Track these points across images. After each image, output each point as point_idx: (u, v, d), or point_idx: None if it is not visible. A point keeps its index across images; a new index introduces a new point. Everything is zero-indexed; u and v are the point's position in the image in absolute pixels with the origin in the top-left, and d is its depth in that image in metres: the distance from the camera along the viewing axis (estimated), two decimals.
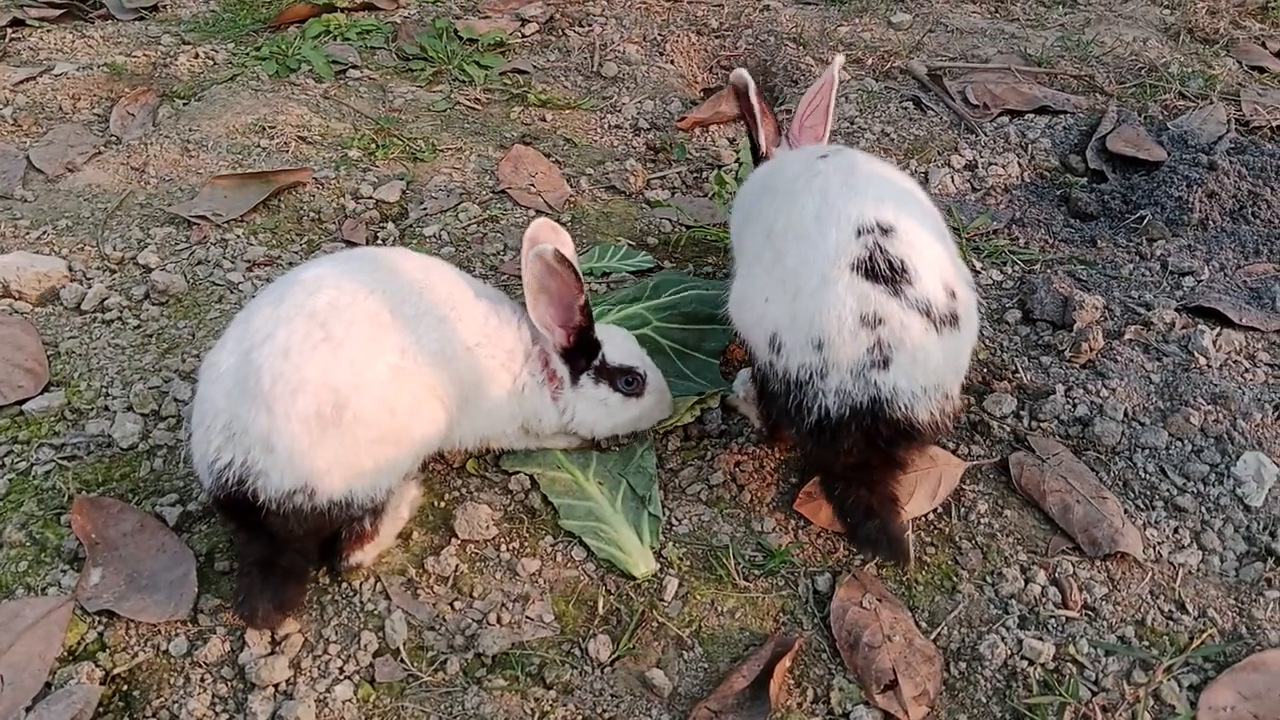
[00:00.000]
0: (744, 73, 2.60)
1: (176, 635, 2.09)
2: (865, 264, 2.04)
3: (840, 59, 2.75)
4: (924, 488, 2.35)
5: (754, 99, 2.62)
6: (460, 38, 4.54)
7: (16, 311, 2.93)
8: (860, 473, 2.16)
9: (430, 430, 2.18)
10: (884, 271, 2.03)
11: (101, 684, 2.00)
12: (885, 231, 2.07)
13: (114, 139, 3.76)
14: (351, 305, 2.05)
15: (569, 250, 2.34)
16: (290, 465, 1.94)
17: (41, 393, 2.64)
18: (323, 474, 1.97)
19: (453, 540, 2.30)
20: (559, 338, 2.31)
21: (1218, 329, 2.81)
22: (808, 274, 2.09)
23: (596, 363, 2.37)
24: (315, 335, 1.99)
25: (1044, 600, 2.18)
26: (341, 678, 2.03)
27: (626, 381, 2.39)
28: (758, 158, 2.73)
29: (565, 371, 2.36)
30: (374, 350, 2.05)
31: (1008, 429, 2.58)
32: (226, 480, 1.95)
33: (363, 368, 2.01)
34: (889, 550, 2.15)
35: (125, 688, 2.01)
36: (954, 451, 2.52)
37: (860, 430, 2.06)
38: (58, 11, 4.70)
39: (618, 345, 2.42)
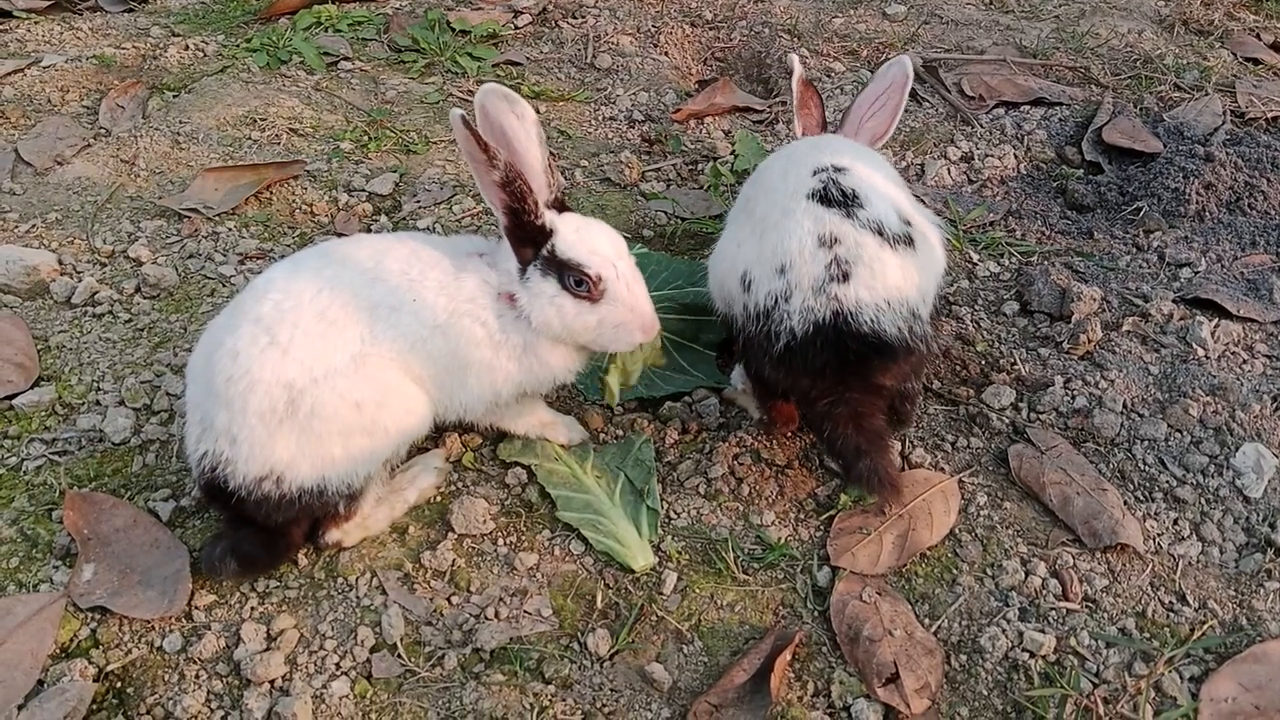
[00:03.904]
0: (795, 57, 2.77)
1: (171, 631, 2.07)
2: (820, 193, 2.20)
3: (907, 59, 2.65)
4: (938, 508, 2.32)
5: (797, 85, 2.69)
6: (453, 29, 4.51)
7: (6, 305, 2.90)
8: (841, 405, 2.14)
9: (406, 418, 2.17)
10: (836, 197, 2.19)
11: (95, 681, 1.98)
12: (839, 170, 2.25)
13: (103, 131, 3.72)
14: (296, 307, 2.06)
15: (528, 118, 2.14)
16: (252, 456, 2.03)
17: (32, 387, 2.62)
18: (287, 464, 2.04)
19: (449, 534, 2.28)
20: (500, 218, 2.14)
21: (1215, 320, 2.80)
22: (771, 211, 2.24)
23: (545, 252, 2.15)
24: (261, 340, 2.03)
25: (1044, 592, 2.17)
26: (338, 673, 2.01)
27: (576, 281, 2.12)
28: None
29: (515, 266, 2.17)
30: (326, 346, 2.06)
31: (1006, 421, 2.57)
32: (204, 469, 2.07)
33: (316, 363, 2.03)
34: (882, 487, 2.15)
35: (119, 685, 1.99)
36: (952, 445, 2.51)
37: (828, 347, 2.09)
38: (45, 3, 4.66)
39: (572, 238, 2.15)
